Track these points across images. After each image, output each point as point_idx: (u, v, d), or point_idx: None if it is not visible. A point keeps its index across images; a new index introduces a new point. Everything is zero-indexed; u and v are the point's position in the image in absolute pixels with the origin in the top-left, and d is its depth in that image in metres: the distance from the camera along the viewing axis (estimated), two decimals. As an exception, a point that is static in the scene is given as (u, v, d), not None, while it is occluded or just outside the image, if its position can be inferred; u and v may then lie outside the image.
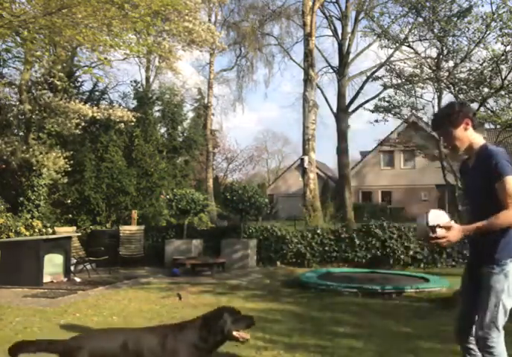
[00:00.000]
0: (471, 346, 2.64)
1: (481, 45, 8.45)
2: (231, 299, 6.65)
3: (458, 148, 2.68)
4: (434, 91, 9.38)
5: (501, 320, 2.51)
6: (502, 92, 8.73)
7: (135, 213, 11.92)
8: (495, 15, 8.06)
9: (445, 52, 8.94)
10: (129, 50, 8.14)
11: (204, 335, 2.66)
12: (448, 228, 2.45)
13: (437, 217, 2.53)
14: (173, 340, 2.64)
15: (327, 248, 10.05)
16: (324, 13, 23.96)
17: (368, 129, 61.02)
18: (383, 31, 9.61)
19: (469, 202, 2.81)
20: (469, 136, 2.64)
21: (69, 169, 12.13)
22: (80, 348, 2.57)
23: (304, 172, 15.09)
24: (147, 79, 23.32)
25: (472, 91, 8.83)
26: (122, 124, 13.13)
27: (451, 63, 9.07)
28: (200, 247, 10.75)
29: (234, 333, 2.69)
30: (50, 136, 12.53)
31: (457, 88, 8.78)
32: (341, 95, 23.53)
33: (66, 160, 12.03)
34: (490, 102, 9.26)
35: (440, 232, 2.46)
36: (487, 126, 18.36)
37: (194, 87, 27.76)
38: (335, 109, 23.92)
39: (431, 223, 2.47)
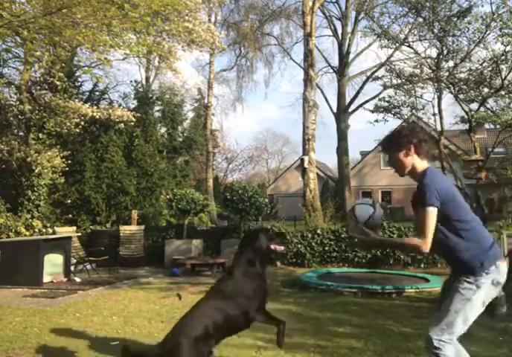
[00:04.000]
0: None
1: (481, 45, 8.46)
2: (231, 299, 6.65)
3: (398, 171, 2.76)
4: (434, 91, 9.38)
5: (459, 328, 2.47)
6: (502, 92, 8.73)
7: (135, 213, 11.92)
8: (495, 15, 8.06)
9: (445, 52, 8.95)
10: (129, 50, 8.15)
11: (251, 258, 3.07)
12: (368, 234, 2.58)
13: (362, 211, 2.66)
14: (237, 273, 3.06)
15: (327, 248, 10.04)
16: (324, 13, 23.96)
17: (367, 129, 60.97)
18: (383, 31, 9.61)
19: None
20: (410, 161, 2.67)
21: (66, 168, 12.10)
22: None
23: (303, 172, 15.02)
24: (147, 79, 23.35)
25: (472, 91, 8.84)
26: (122, 124, 13.12)
27: (451, 63, 9.08)
28: (200, 247, 10.74)
29: (271, 246, 3.13)
30: (50, 136, 12.51)
31: (457, 88, 8.79)
32: (341, 95, 23.52)
33: (64, 160, 12.00)
34: (490, 102, 9.26)
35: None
36: (487, 126, 18.40)
37: (194, 87, 27.75)
38: (335, 109, 23.92)
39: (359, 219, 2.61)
